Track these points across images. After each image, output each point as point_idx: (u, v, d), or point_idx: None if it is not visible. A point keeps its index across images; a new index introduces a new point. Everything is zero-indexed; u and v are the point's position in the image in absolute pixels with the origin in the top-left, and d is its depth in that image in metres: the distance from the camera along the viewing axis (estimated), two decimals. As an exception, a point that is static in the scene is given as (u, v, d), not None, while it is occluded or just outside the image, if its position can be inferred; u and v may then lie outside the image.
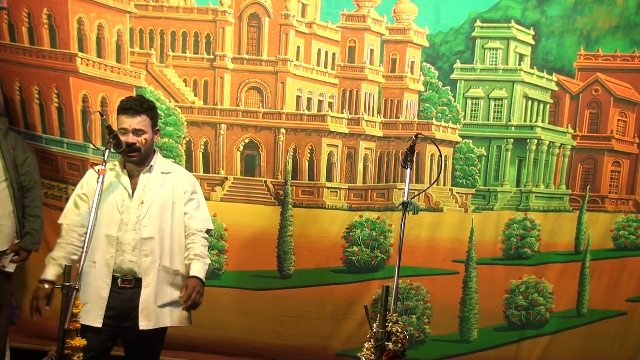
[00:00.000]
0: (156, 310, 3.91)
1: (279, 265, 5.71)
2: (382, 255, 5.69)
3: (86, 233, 3.45)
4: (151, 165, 3.98)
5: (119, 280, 3.87)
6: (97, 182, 3.56)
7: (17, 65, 5.46)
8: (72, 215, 3.94)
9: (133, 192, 3.91)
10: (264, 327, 5.73)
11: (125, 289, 3.87)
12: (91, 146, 5.42)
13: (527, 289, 5.67)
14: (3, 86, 5.53)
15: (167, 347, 5.33)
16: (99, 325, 3.78)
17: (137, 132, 3.84)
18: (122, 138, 3.79)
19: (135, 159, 3.89)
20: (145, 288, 3.88)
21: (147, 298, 3.87)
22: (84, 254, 3.43)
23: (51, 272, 3.80)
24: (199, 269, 3.95)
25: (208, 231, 4.17)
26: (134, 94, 5.34)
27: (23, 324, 5.55)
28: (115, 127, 3.81)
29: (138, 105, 3.88)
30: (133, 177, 3.95)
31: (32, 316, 3.80)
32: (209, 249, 5.55)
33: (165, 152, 5.55)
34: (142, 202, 3.90)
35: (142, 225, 3.87)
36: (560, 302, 5.71)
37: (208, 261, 4.05)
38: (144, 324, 3.87)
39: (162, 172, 4.02)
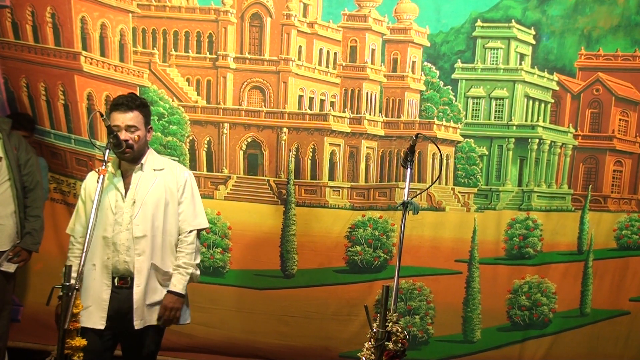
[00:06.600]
0: (146, 309, 3.91)
1: (282, 265, 5.71)
2: (385, 256, 5.68)
3: (86, 234, 3.45)
4: (142, 164, 3.95)
5: (115, 280, 3.86)
6: (97, 182, 3.56)
7: (23, 63, 5.49)
8: (78, 226, 3.94)
9: (126, 192, 3.90)
10: (267, 328, 5.73)
11: (122, 288, 3.86)
12: (97, 143, 5.43)
13: (530, 289, 5.65)
14: (8, 83, 5.56)
15: (170, 348, 5.37)
16: (102, 327, 3.78)
17: (129, 128, 3.81)
18: None
19: (129, 156, 3.86)
20: (138, 287, 3.87)
21: (139, 297, 3.87)
22: (84, 254, 3.42)
23: None
24: (176, 283, 3.97)
25: (202, 229, 4.16)
26: (137, 93, 5.36)
27: (27, 321, 5.59)
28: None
29: (130, 101, 3.86)
30: (127, 176, 3.93)
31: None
32: (213, 246, 5.60)
33: (169, 150, 5.59)
34: (134, 202, 3.88)
35: (134, 224, 3.86)
36: (564, 302, 5.69)
37: (190, 270, 4.02)
38: (137, 323, 3.88)
39: (154, 170, 3.98)
